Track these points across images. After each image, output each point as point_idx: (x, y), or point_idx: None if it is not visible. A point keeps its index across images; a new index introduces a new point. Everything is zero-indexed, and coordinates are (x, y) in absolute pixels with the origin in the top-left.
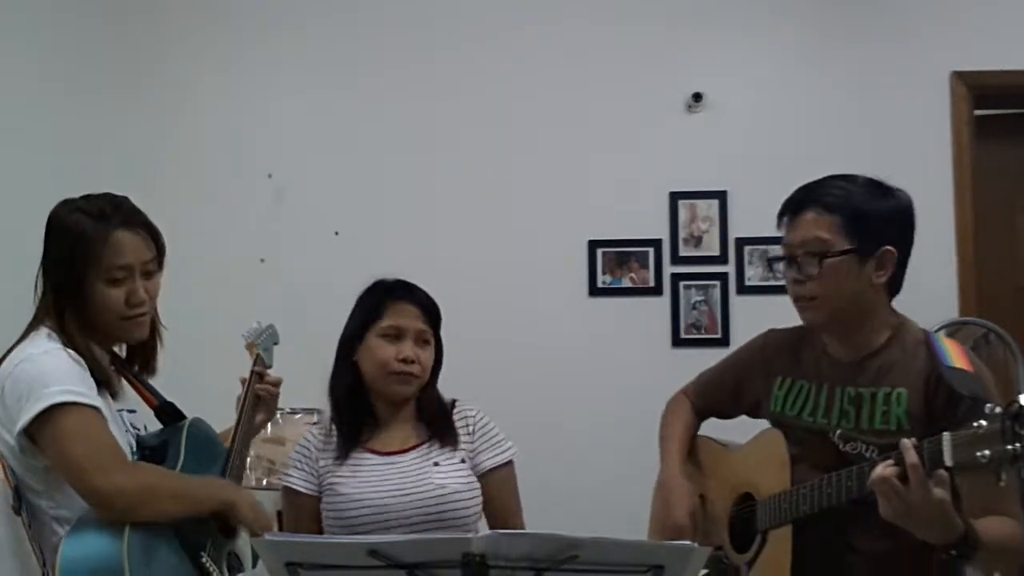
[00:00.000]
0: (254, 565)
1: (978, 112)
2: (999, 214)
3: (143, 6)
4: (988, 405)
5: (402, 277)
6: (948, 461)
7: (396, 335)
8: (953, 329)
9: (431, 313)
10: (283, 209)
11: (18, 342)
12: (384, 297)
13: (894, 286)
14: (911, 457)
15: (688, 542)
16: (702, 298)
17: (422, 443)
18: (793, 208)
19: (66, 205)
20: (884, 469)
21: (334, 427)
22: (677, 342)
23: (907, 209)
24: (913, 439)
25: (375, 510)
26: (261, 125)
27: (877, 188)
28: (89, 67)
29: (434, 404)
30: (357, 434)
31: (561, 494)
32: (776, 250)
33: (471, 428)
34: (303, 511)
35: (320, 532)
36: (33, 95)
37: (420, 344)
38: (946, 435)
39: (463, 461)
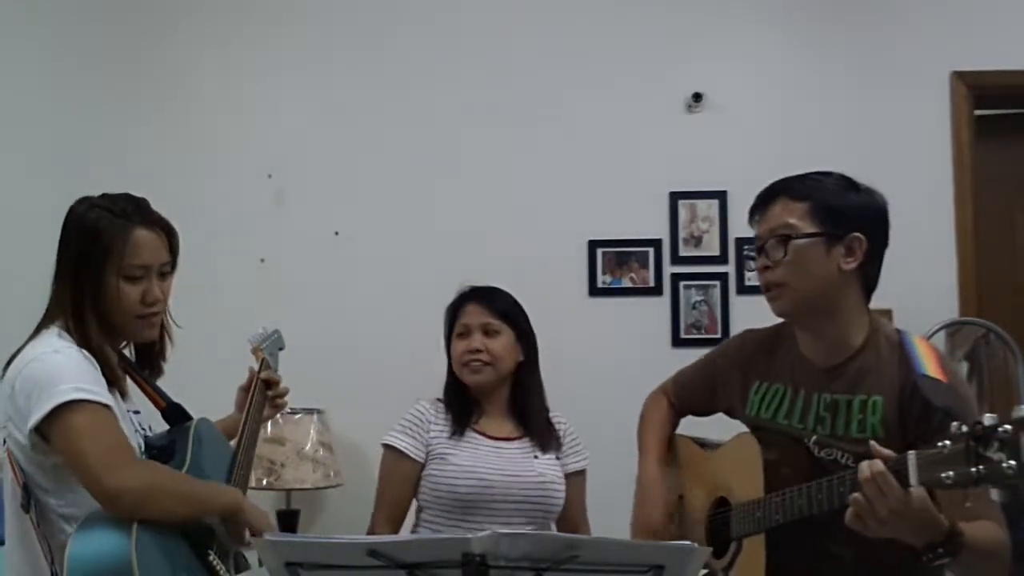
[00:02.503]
0: (260, 564)
1: (978, 112)
2: (999, 214)
3: (142, 6)
4: (954, 424)
5: (404, 277)
6: (913, 481)
7: (465, 332)
8: (953, 329)
9: (495, 307)
10: (283, 209)
11: (28, 340)
12: (457, 303)
13: (868, 283)
14: (877, 466)
15: (688, 542)
16: (702, 298)
17: (522, 436)
18: (763, 201)
19: (86, 202)
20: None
21: (443, 405)
22: (677, 342)
23: (879, 205)
24: (879, 458)
25: (484, 484)
26: (261, 125)
27: (849, 183)
28: (88, 67)
29: (527, 400)
30: (467, 416)
31: None
32: None
33: (562, 435)
34: (403, 473)
35: (412, 496)
36: (32, 95)
37: (488, 335)
38: (911, 454)
39: (557, 459)
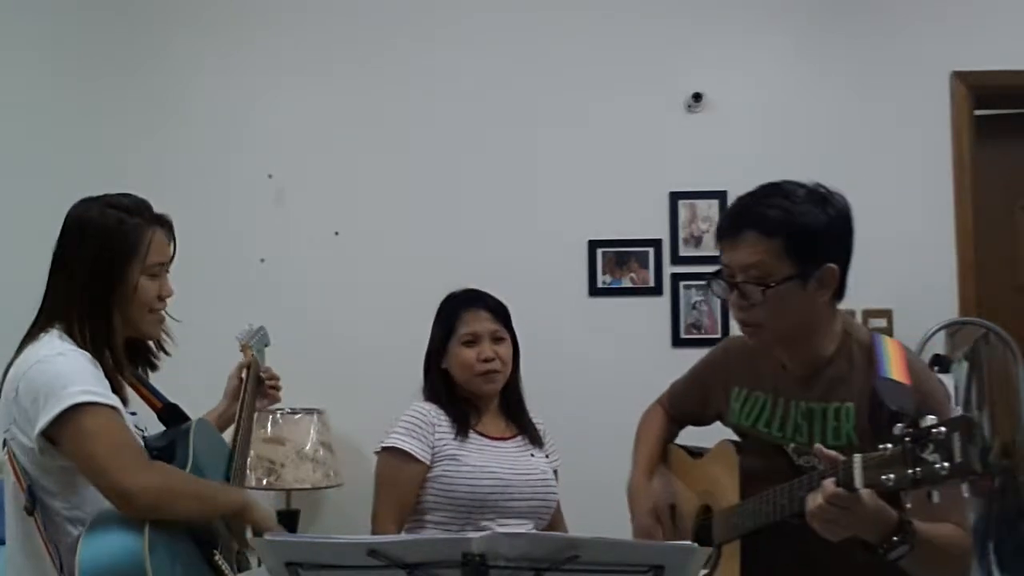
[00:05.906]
0: (260, 563)
1: (978, 112)
2: (999, 214)
3: (142, 6)
4: (897, 426)
5: (404, 277)
6: (858, 484)
7: (473, 340)
8: (953, 329)
9: (500, 313)
10: (283, 209)
11: (25, 344)
12: (457, 309)
13: (838, 296)
14: (830, 488)
15: (688, 542)
16: (702, 298)
17: (516, 435)
18: (731, 228)
19: (95, 203)
20: (814, 502)
21: (439, 407)
22: (677, 342)
23: (845, 218)
24: (825, 459)
25: (502, 482)
26: (261, 125)
27: (815, 200)
28: (88, 67)
29: (517, 398)
30: (467, 418)
31: (561, 494)
32: None
33: (542, 434)
34: (410, 475)
35: (417, 498)
36: (32, 94)
37: (496, 342)
38: (857, 458)
39: (546, 456)
